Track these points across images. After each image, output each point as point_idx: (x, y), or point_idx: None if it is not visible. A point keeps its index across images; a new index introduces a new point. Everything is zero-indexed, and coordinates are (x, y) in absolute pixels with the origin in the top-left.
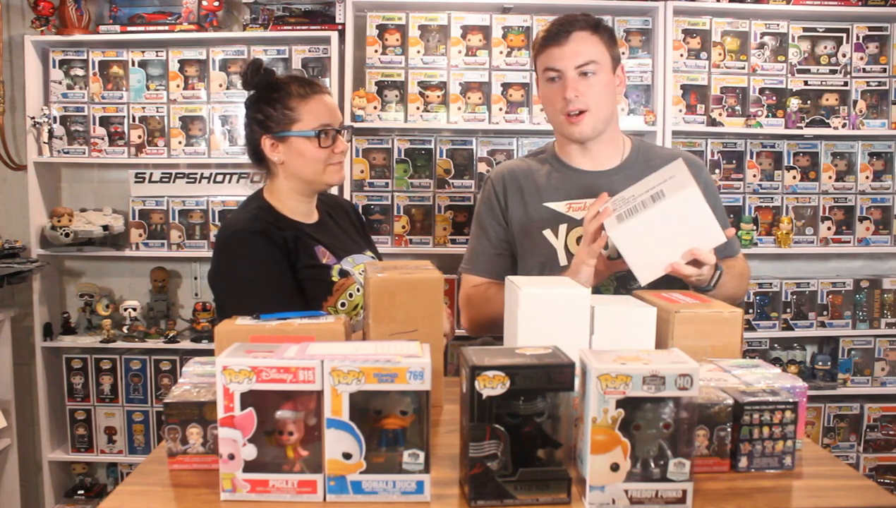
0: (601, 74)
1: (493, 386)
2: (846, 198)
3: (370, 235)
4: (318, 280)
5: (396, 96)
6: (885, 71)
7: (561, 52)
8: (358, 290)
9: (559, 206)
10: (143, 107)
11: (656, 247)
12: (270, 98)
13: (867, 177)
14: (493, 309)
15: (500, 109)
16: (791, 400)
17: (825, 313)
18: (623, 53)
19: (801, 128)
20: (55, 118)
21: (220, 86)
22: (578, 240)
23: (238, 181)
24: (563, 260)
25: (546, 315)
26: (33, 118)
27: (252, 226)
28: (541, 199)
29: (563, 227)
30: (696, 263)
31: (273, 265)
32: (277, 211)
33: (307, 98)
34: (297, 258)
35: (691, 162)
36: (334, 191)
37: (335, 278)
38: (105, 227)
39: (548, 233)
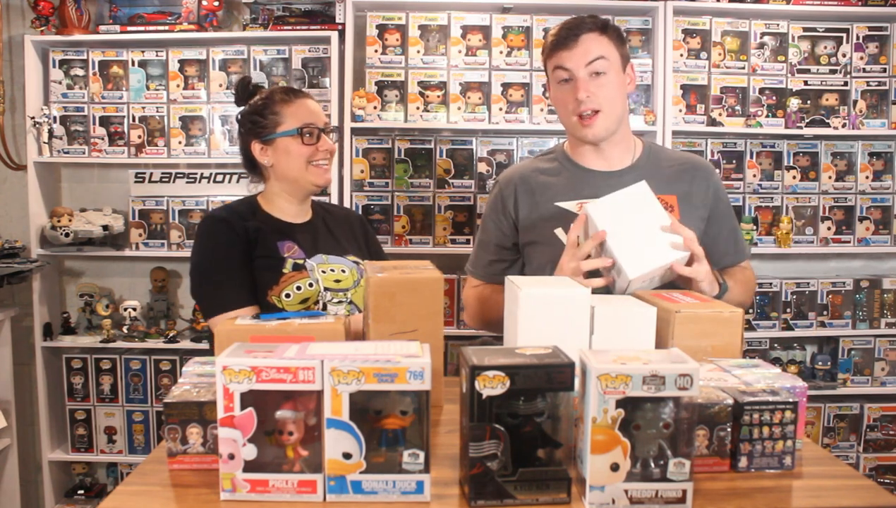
0: (611, 73)
1: (493, 386)
2: (846, 198)
3: (377, 248)
4: (268, 269)
5: (396, 96)
6: (885, 71)
7: (570, 54)
8: (311, 285)
9: (570, 205)
10: (143, 107)
11: (638, 241)
12: (257, 107)
13: (867, 177)
14: (489, 310)
15: (500, 109)
16: (791, 400)
17: (825, 313)
18: None
19: (801, 128)
20: (55, 118)
21: (220, 86)
22: None
23: (238, 181)
24: None
25: (546, 315)
26: (33, 118)
27: (218, 214)
28: (551, 198)
29: None
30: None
31: (228, 249)
32: (262, 208)
33: (290, 102)
34: (255, 247)
35: (702, 166)
36: (347, 201)
37: (286, 270)
38: (105, 227)
39: (559, 232)
